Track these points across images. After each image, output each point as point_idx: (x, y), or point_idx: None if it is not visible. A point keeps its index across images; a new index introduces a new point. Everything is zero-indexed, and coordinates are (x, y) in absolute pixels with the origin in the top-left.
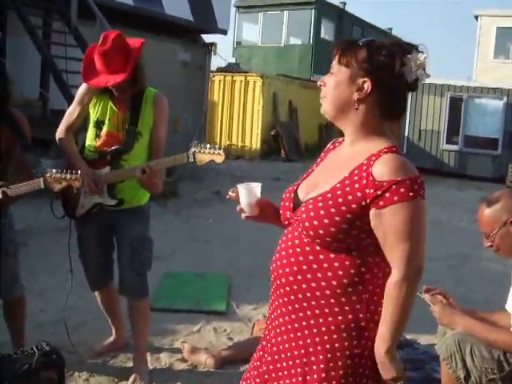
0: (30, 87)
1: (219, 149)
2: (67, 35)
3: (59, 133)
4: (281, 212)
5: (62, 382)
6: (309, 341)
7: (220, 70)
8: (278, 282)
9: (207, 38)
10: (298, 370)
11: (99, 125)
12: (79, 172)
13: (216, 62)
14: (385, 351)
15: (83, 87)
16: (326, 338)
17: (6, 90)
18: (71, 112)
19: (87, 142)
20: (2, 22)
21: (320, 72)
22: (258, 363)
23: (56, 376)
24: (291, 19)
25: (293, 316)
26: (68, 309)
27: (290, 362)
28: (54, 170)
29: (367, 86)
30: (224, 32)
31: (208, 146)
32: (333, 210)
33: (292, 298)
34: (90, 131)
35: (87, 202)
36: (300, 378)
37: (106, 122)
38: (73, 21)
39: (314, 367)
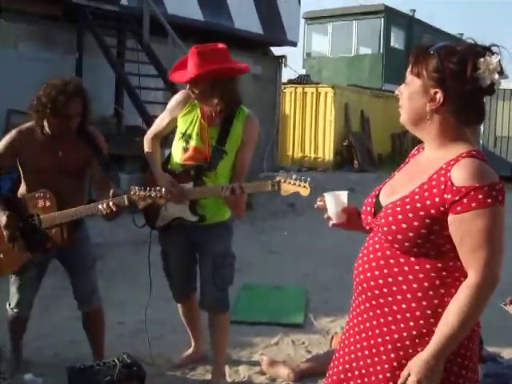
0: (106, 105)
1: (305, 181)
2: (140, 52)
3: (147, 139)
4: (362, 217)
5: None
6: (390, 346)
7: (291, 82)
8: (361, 287)
9: (277, 50)
10: (380, 376)
11: (186, 138)
12: (163, 189)
13: (286, 74)
14: (427, 355)
15: (175, 98)
16: (407, 342)
17: (87, 108)
18: (161, 120)
19: (173, 154)
20: (79, 44)
21: (391, 81)
22: (335, 370)
23: None
24: (360, 29)
25: (374, 322)
26: (147, 321)
27: (371, 369)
28: (136, 188)
29: (439, 96)
30: (294, 44)
31: (294, 176)
32: (411, 214)
33: (373, 303)
34: (177, 143)
35: (167, 215)
36: None
37: (194, 136)
38: (145, 38)
39: (397, 372)
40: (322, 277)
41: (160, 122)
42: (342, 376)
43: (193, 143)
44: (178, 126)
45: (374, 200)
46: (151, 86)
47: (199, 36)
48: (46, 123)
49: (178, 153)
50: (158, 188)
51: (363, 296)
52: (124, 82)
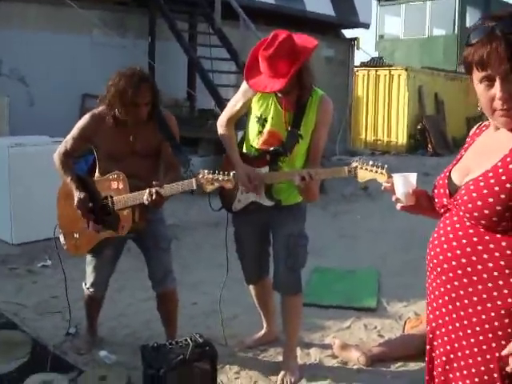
0: (178, 88)
1: (382, 168)
2: (211, 36)
3: (220, 123)
4: (435, 200)
5: (215, 374)
6: (478, 329)
7: (363, 64)
8: (439, 268)
9: (349, 32)
10: (470, 361)
11: (262, 121)
12: (231, 173)
13: (359, 56)
14: None
15: None
16: (496, 324)
17: (157, 95)
18: (234, 103)
19: (250, 137)
20: (151, 29)
21: None
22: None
23: (209, 367)
24: (434, 9)
25: (457, 303)
26: (221, 302)
27: (459, 354)
28: (205, 171)
29: None
30: (366, 26)
31: (371, 162)
32: (497, 188)
33: (456, 283)
34: (252, 126)
35: (244, 198)
36: (482, 368)
37: (269, 119)
38: (217, 22)
39: (488, 356)
40: (395, 261)
41: (233, 105)
42: (444, 358)
43: (268, 127)
44: (253, 108)
45: (447, 181)
46: (223, 69)
47: (270, 19)
48: (117, 112)
49: (254, 136)
50: (226, 172)
51: (443, 277)
52: (196, 65)
